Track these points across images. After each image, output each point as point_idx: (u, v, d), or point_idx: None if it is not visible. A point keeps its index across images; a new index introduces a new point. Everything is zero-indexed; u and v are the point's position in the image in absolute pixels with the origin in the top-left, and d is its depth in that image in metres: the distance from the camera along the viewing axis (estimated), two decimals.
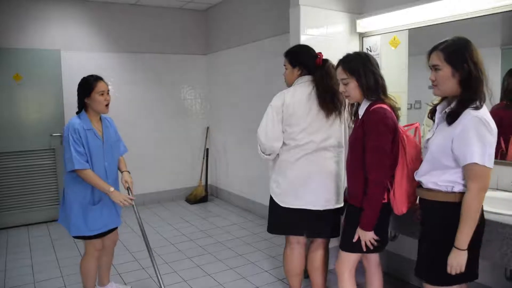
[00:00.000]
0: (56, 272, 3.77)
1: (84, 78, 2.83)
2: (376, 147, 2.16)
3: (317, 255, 2.90)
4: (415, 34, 3.13)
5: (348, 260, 2.41)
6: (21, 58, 5.05)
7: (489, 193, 2.54)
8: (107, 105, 2.82)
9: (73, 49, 5.44)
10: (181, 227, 5.09)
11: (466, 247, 1.84)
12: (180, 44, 6.28)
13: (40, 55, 5.16)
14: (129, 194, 2.92)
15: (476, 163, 1.79)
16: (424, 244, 2.04)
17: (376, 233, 2.27)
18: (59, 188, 5.32)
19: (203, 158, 6.54)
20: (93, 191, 2.79)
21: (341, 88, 2.34)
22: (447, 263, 1.89)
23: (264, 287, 3.42)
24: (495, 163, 2.66)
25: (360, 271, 2.64)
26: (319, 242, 2.90)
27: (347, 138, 2.67)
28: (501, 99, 2.72)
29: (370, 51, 3.50)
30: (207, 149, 6.55)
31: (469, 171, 1.83)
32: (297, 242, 2.90)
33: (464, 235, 1.84)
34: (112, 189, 2.75)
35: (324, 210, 2.72)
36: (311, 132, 2.69)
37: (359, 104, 2.36)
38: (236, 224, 5.18)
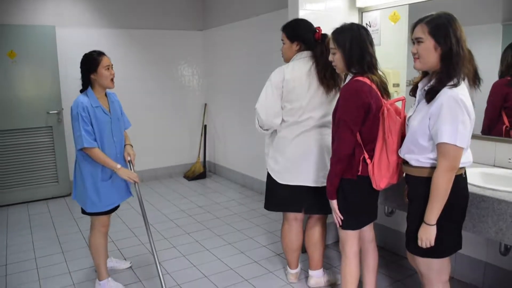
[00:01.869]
0: (57, 248, 3.82)
1: (86, 54, 2.81)
2: (340, 120, 2.21)
3: (315, 231, 2.93)
4: (416, 9, 3.10)
5: (347, 238, 2.42)
6: (15, 34, 4.96)
7: (486, 169, 2.58)
8: (112, 80, 2.83)
9: (68, 25, 5.35)
10: (179, 203, 5.13)
11: (434, 222, 1.90)
12: (176, 19, 6.19)
13: (34, 31, 5.07)
14: (130, 168, 2.97)
15: (446, 143, 1.81)
16: (412, 218, 2.06)
17: (354, 205, 2.33)
18: (57, 166, 5.33)
19: (201, 134, 6.54)
20: (103, 168, 2.82)
21: (330, 57, 2.35)
22: (436, 236, 1.93)
23: (262, 262, 3.47)
24: (494, 139, 2.71)
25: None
26: (316, 218, 2.92)
27: None
28: (503, 75, 2.71)
29: (370, 26, 3.46)
30: (205, 126, 6.54)
31: (439, 149, 1.86)
32: (295, 219, 2.93)
33: (432, 211, 1.90)
34: (119, 166, 2.81)
35: (322, 187, 2.73)
36: (310, 109, 2.68)
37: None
38: (234, 200, 5.21)
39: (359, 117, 2.19)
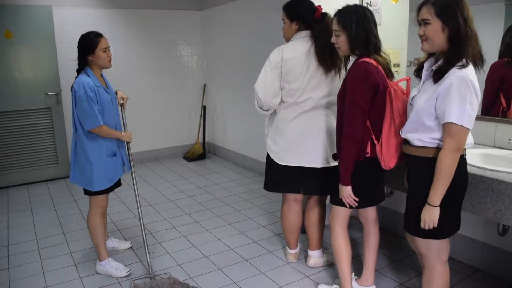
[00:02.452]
0: (58, 229, 3.84)
1: (84, 35, 2.79)
2: (351, 102, 2.19)
3: (314, 212, 2.94)
4: None
5: (338, 214, 2.48)
6: (11, 14, 4.88)
7: (486, 150, 2.58)
8: (109, 61, 2.84)
9: (64, 5, 5.27)
10: (179, 184, 5.15)
11: (438, 203, 1.90)
12: None
13: (30, 11, 4.99)
14: (122, 112, 3.12)
15: (453, 123, 1.80)
16: (413, 199, 2.06)
17: (361, 186, 2.33)
18: (57, 147, 5.33)
19: (200, 115, 6.52)
20: (107, 145, 2.87)
21: (333, 39, 2.32)
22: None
23: (261, 242, 3.49)
24: (494, 120, 2.70)
25: (359, 226, 2.69)
26: (316, 199, 2.93)
27: None
28: (502, 56, 2.69)
29: (370, 5, 3.41)
30: (204, 107, 6.51)
31: (446, 129, 1.85)
32: (294, 200, 2.94)
33: (436, 192, 1.89)
34: (122, 132, 2.97)
35: (321, 168, 2.74)
36: (309, 89, 2.66)
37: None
38: (233, 180, 5.23)
39: (369, 98, 2.18)
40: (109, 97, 2.88)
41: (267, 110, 2.81)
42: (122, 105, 3.12)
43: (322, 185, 2.79)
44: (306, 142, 2.72)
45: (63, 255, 3.35)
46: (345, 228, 2.52)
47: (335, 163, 2.72)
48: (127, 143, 3.05)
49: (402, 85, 2.25)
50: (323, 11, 2.64)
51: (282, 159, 2.79)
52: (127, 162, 3.08)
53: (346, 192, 2.31)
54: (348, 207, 2.39)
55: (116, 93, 3.09)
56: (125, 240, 3.55)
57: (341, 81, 2.67)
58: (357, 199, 2.33)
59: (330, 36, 2.38)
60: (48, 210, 4.33)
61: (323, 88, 2.67)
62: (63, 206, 4.44)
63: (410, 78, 2.26)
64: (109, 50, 2.83)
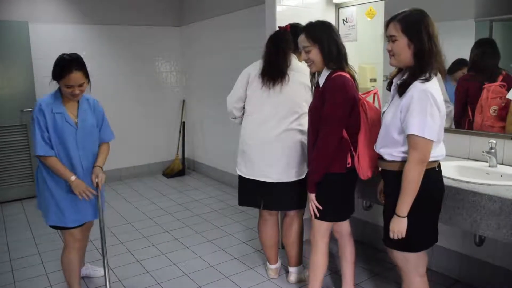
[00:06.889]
0: (33, 250, 3.74)
1: (59, 60, 2.47)
2: (330, 115, 2.21)
3: (292, 230, 2.92)
4: (392, 5, 3.12)
5: (319, 229, 2.45)
6: None
7: (461, 163, 2.62)
8: (74, 95, 2.48)
9: (41, 21, 5.22)
10: (158, 201, 5.08)
11: (405, 214, 1.93)
12: (153, 15, 6.11)
13: (6, 26, 4.92)
14: (96, 190, 2.62)
15: (415, 135, 1.84)
16: (387, 213, 2.08)
17: (343, 198, 2.39)
18: (32, 165, 5.21)
19: (180, 131, 6.49)
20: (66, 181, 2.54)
21: (303, 56, 2.34)
22: (411, 230, 1.95)
23: (242, 258, 3.46)
24: (467, 133, 2.76)
25: (334, 239, 2.68)
26: (292, 215, 2.91)
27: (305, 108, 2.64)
28: (469, 70, 2.78)
29: (346, 22, 3.48)
30: (183, 123, 6.49)
31: (409, 141, 1.89)
32: (269, 214, 2.94)
33: (403, 203, 1.92)
34: (73, 178, 2.49)
35: (278, 183, 2.73)
36: (262, 103, 2.73)
37: (319, 74, 2.38)
38: (213, 197, 5.20)
39: (347, 111, 2.22)
40: (71, 128, 2.51)
41: (234, 118, 2.94)
42: (97, 184, 2.62)
43: (280, 201, 2.80)
44: (262, 155, 2.73)
45: (39, 276, 3.25)
46: (326, 244, 2.50)
47: (295, 179, 2.72)
48: (97, 184, 2.61)
49: (369, 98, 2.33)
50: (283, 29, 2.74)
51: (240, 170, 2.86)
52: (95, 206, 2.67)
53: (310, 198, 2.36)
54: (316, 217, 2.39)
55: (93, 169, 2.65)
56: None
57: (302, 93, 2.68)
58: (321, 208, 2.35)
59: (274, 51, 2.57)
60: (22, 230, 4.22)
61: (279, 101, 2.69)
62: (39, 225, 4.31)
63: (377, 91, 2.32)
64: (78, 87, 2.45)
